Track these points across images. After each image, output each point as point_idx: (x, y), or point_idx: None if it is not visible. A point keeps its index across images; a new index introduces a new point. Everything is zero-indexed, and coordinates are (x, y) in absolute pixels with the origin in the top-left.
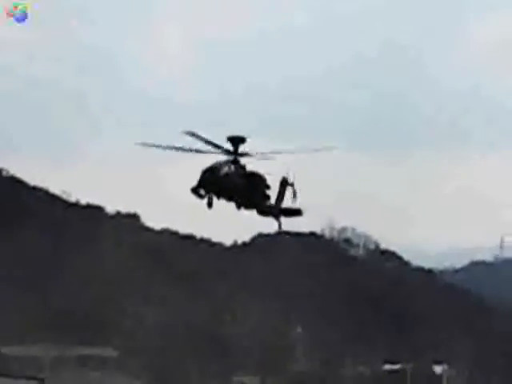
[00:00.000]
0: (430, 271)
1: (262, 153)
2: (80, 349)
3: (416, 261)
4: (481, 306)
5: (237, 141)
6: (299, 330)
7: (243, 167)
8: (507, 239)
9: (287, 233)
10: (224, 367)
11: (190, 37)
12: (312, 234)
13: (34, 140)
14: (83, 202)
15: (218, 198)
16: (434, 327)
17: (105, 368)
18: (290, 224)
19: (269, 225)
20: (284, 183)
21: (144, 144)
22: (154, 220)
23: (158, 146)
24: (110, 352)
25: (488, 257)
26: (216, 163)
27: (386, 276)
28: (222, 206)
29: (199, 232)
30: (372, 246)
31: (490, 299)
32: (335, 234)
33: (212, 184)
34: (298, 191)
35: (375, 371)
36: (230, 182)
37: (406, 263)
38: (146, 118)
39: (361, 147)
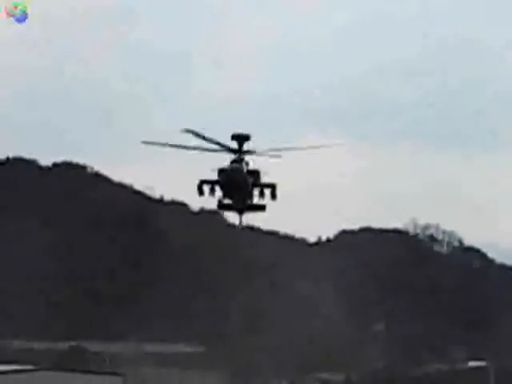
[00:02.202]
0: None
1: (266, 150)
2: (158, 345)
3: (500, 258)
4: None
5: (241, 139)
6: (381, 325)
7: (248, 164)
8: None
9: (370, 229)
10: (306, 364)
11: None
12: (396, 230)
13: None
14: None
15: (224, 192)
16: None
17: (183, 363)
18: (374, 220)
19: (353, 222)
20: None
21: (147, 142)
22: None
23: (162, 144)
24: (192, 347)
25: None
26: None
27: (469, 273)
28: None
29: (283, 228)
30: (456, 243)
31: None
32: (419, 230)
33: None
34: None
35: (458, 368)
36: (239, 178)
37: (491, 260)
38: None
39: (438, 144)
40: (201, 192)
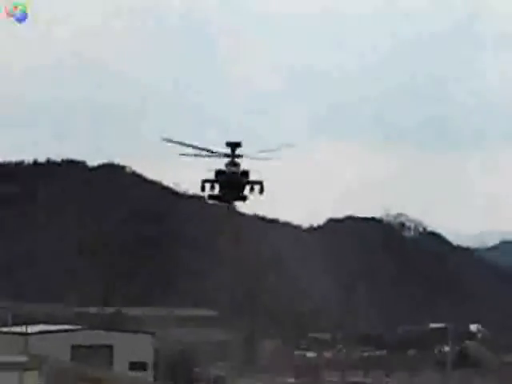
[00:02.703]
0: (467, 249)
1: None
2: (184, 310)
3: (456, 241)
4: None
5: (233, 145)
6: (362, 295)
7: (238, 165)
8: None
9: (353, 218)
10: (300, 325)
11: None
12: (373, 218)
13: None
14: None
15: (222, 189)
16: (469, 295)
17: (204, 325)
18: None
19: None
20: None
21: (169, 140)
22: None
23: (181, 143)
24: (209, 312)
25: None
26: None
27: (431, 253)
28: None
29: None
30: (421, 229)
31: None
32: (391, 218)
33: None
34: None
35: (423, 329)
36: (234, 177)
37: (448, 243)
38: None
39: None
40: (203, 189)
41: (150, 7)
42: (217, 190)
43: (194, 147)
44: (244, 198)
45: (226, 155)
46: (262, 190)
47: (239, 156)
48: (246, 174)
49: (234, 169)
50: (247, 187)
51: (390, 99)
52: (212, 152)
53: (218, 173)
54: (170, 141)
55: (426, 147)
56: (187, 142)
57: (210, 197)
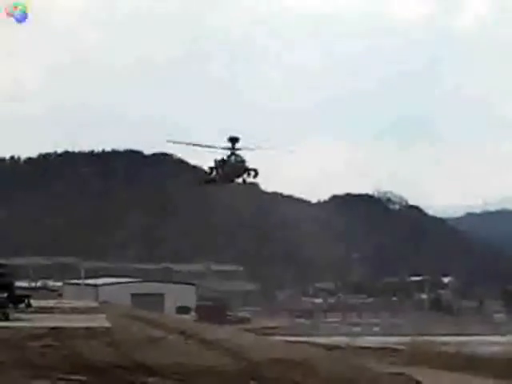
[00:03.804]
0: (440, 219)
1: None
2: (218, 265)
3: (431, 212)
4: (471, 243)
5: (234, 140)
6: (356, 255)
7: (238, 156)
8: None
9: (351, 194)
10: (308, 277)
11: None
12: (367, 194)
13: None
14: None
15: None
16: (442, 254)
17: (233, 278)
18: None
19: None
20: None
21: (172, 141)
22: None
23: (186, 143)
24: (235, 267)
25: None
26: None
27: (411, 222)
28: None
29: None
30: (404, 203)
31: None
32: (381, 194)
33: (224, 169)
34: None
35: (404, 281)
36: (235, 167)
37: (425, 214)
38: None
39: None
40: (210, 174)
41: None
42: (215, 176)
43: (195, 145)
44: (232, 181)
45: (227, 148)
46: (255, 176)
47: (238, 149)
48: (243, 162)
49: (235, 158)
50: (245, 173)
51: (370, 96)
52: (214, 147)
53: (222, 161)
54: (174, 142)
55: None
56: (189, 141)
57: (206, 181)
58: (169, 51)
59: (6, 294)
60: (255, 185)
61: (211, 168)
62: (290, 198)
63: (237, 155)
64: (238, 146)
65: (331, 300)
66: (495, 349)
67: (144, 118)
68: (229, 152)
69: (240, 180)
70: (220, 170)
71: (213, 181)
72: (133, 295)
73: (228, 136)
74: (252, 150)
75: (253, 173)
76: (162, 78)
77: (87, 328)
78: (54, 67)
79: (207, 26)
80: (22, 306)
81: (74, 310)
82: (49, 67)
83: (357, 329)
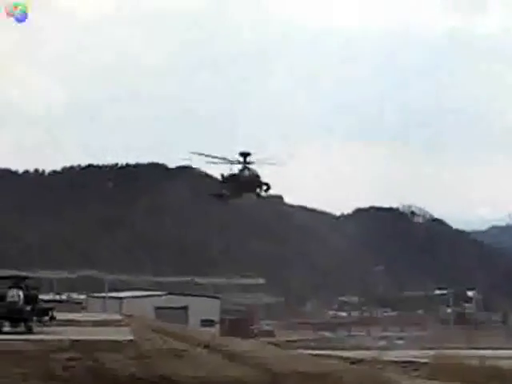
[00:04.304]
0: (464, 232)
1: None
2: (242, 278)
3: (455, 225)
4: (496, 256)
5: (245, 154)
6: (380, 268)
7: (250, 170)
8: None
9: (376, 207)
10: (332, 290)
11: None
12: (391, 208)
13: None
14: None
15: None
16: (466, 267)
17: (256, 291)
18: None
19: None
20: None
21: (195, 153)
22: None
23: (206, 155)
24: (259, 281)
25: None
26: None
27: (435, 235)
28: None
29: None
30: (428, 216)
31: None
32: (405, 208)
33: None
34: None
35: (428, 294)
36: (248, 181)
37: (449, 227)
38: None
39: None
40: (222, 187)
41: None
42: (223, 190)
43: (213, 157)
44: (258, 195)
45: (240, 162)
46: (267, 189)
47: (250, 163)
48: (257, 176)
49: (247, 172)
50: (258, 187)
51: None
52: (229, 160)
53: (233, 175)
54: (196, 153)
55: (432, 153)
56: (209, 153)
57: (214, 195)
58: (182, 61)
59: (29, 307)
60: (279, 197)
61: (222, 182)
62: (313, 211)
63: (249, 169)
64: (249, 159)
65: (355, 313)
66: None
67: (168, 130)
68: (240, 166)
69: (252, 194)
70: (232, 184)
71: (220, 195)
72: (156, 308)
73: (239, 151)
74: (263, 163)
75: (265, 187)
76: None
77: (111, 341)
78: (79, 76)
79: (219, 33)
80: (46, 318)
81: (98, 323)
82: (73, 77)
83: (381, 342)
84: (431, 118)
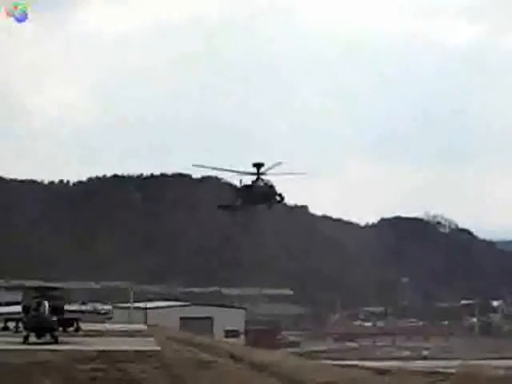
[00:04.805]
0: (490, 242)
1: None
2: (268, 289)
3: (481, 235)
4: None
5: (258, 165)
6: (405, 278)
7: (263, 180)
8: None
9: (400, 217)
10: (358, 301)
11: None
12: (416, 218)
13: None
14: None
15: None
16: (491, 277)
17: (283, 301)
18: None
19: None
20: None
21: (199, 165)
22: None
23: (213, 168)
24: (286, 291)
25: None
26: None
27: (460, 245)
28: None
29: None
30: (453, 226)
31: None
32: (431, 218)
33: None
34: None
35: (454, 304)
36: (262, 192)
37: (475, 237)
38: None
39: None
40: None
41: None
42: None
43: (220, 169)
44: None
45: (252, 173)
46: (281, 200)
47: (263, 173)
48: (271, 187)
49: (261, 183)
50: (271, 198)
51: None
52: (239, 172)
53: (246, 186)
54: (201, 166)
55: (457, 163)
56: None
57: (219, 206)
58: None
59: (55, 318)
60: (304, 208)
61: (237, 192)
62: (338, 221)
63: (263, 180)
64: (262, 170)
65: (381, 324)
66: None
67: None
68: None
69: (266, 204)
70: (245, 195)
71: (228, 206)
72: (181, 319)
73: (253, 162)
74: (276, 175)
75: (278, 198)
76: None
77: (137, 351)
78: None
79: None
80: (71, 329)
81: (123, 333)
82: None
83: (407, 352)
84: (457, 128)
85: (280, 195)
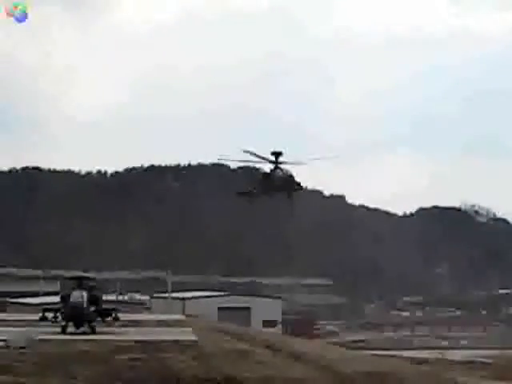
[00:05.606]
0: None
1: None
2: (304, 279)
3: None
4: None
5: (277, 154)
6: (443, 268)
7: (282, 170)
8: None
9: (438, 207)
10: (396, 291)
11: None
12: (454, 207)
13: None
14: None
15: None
16: None
17: (322, 291)
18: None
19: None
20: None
21: (247, 151)
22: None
23: (232, 160)
24: (324, 281)
25: None
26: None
27: (498, 234)
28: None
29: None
30: (491, 216)
31: None
32: (468, 207)
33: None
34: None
35: (492, 294)
36: (281, 180)
37: None
38: None
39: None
40: (254, 188)
41: None
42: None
43: (246, 161)
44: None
45: (276, 162)
46: (299, 189)
47: (283, 163)
48: (291, 176)
49: (280, 172)
50: (290, 187)
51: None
52: (266, 159)
53: (266, 174)
54: (249, 152)
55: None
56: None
57: (239, 193)
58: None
59: (93, 308)
60: (342, 197)
61: (260, 180)
62: (376, 210)
63: (282, 169)
64: (281, 159)
65: (419, 313)
66: None
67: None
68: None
69: (285, 193)
70: (264, 183)
71: (246, 193)
72: (219, 309)
73: (272, 150)
74: (295, 164)
75: (297, 187)
76: None
77: (175, 341)
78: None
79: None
80: (109, 319)
81: (161, 324)
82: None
83: (445, 342)
84: (494, 119)
85: (299, 184)
